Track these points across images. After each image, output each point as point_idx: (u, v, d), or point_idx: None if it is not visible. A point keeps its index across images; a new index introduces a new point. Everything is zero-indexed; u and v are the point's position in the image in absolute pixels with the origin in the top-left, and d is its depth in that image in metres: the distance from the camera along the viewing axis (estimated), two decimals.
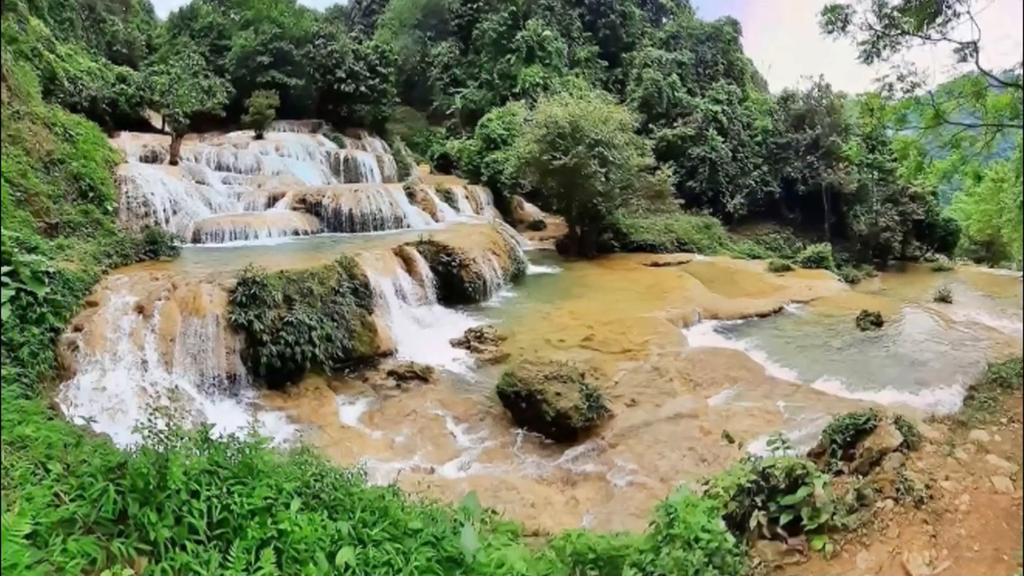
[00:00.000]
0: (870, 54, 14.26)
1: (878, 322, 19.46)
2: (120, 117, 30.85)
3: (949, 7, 13.13)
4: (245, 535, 3.71)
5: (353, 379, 15.36)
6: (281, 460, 4.71)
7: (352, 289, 16.69)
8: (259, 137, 36.33)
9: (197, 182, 25.62)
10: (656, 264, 30.36)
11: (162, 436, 4.04)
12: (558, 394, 12.60)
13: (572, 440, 12.52)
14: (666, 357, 16.44)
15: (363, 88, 43.02)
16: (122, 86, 31.09)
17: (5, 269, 11.33)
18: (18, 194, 15.84)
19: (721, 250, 37.76)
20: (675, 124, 43.92)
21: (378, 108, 45.05)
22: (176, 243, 19.37)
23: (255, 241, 22.18)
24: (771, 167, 45.34)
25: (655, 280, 26.46)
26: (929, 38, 13.67)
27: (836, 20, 14.21)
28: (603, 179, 28.31)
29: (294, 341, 14.18)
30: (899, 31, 13.89)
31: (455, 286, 21.42)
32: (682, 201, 38.55)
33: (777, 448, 6.21)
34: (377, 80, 43.88)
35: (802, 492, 5.74)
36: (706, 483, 6.33)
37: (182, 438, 4.12)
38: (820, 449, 7.53)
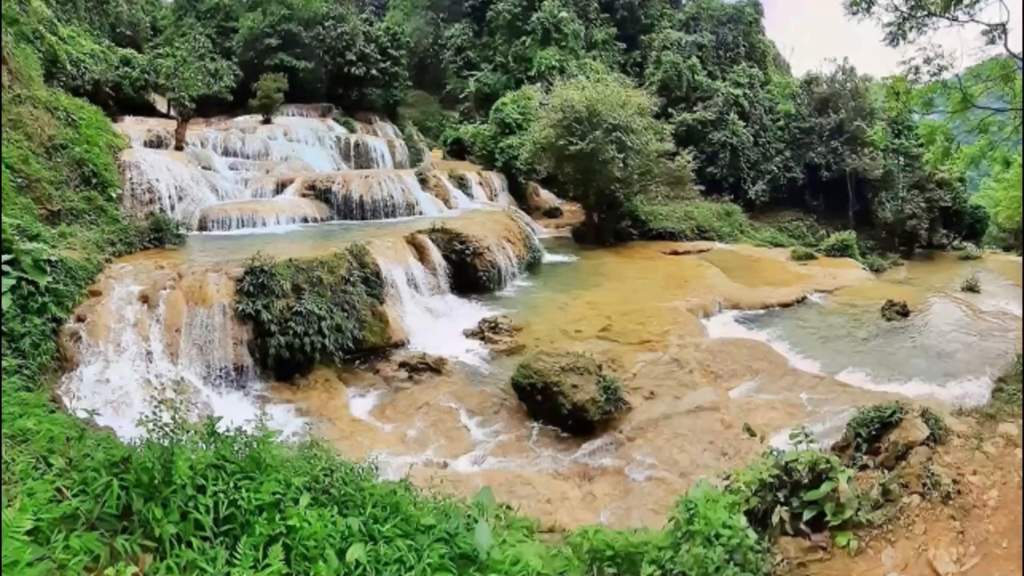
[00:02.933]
0: (896, 36, 14.00)
1: (904, 312, 19.14)
2: (124, 101, 30.36)
3: None
4: (253, 531, 3.64)
5: (364, 371, 15.22)
6: (290, 454, 4.63)
7: (363, 278, 16.53)
8: (267, 121, 36.05)
9: (203, 168, 25.34)
10: (675, 252, 30.02)
11: (167, 429, 3.96)
12: (575, 386, 12.45)
13: (589, 433, 12.38)
14: (686, 348, 16.22)
15: (374, 71, 42.59)
16: (126, 69, 30.59)
17: (6, 257, 11.14)
18: (19, 180, 15.58)
19: (742, 238, 37.24)
20: (695, 108, 43.07)
21: (389, 92, 44.63)
22: (182, 231, 19.09)
23: (263, 229, 21.98)
24: (794, 152, 44.51)
25: (674, 269, 26.17)
26: (956, 20, 13.41)
27: (861, 1, 13.89)
28: (621, 165, 27.93)
29: (303, 332, 14.00)
30: (926, 12, 13.63)
31: (469, 275, 21.27)
32: (702, 187, 37.67)
33: (800, 442, 6.05)
34: (388, 63, 43.41)
35: (826, 487, 5.58)
36: (727, 478, 6.19)
37: (188, 432, 4.05)
38: (844, 443, 7.36)
